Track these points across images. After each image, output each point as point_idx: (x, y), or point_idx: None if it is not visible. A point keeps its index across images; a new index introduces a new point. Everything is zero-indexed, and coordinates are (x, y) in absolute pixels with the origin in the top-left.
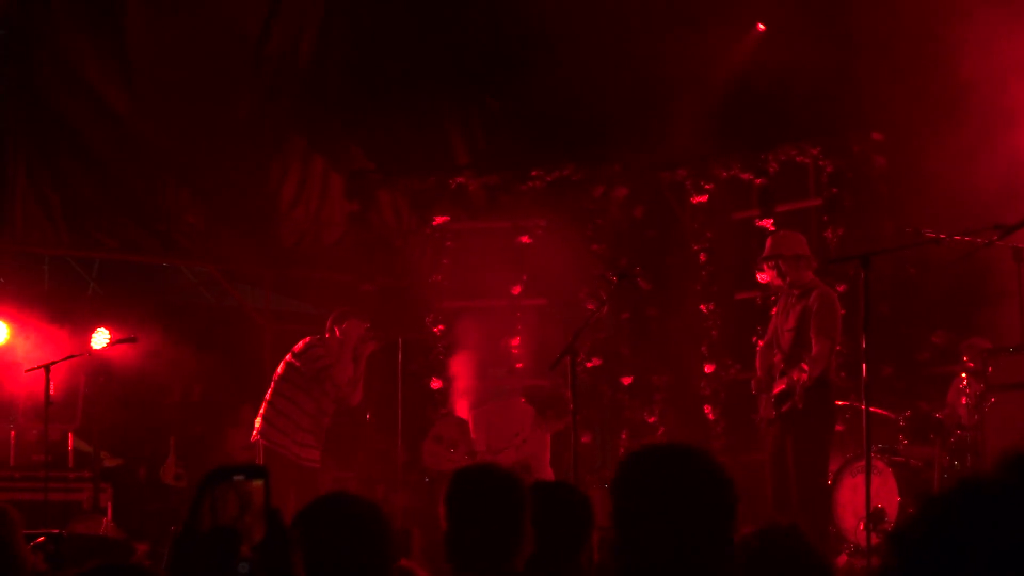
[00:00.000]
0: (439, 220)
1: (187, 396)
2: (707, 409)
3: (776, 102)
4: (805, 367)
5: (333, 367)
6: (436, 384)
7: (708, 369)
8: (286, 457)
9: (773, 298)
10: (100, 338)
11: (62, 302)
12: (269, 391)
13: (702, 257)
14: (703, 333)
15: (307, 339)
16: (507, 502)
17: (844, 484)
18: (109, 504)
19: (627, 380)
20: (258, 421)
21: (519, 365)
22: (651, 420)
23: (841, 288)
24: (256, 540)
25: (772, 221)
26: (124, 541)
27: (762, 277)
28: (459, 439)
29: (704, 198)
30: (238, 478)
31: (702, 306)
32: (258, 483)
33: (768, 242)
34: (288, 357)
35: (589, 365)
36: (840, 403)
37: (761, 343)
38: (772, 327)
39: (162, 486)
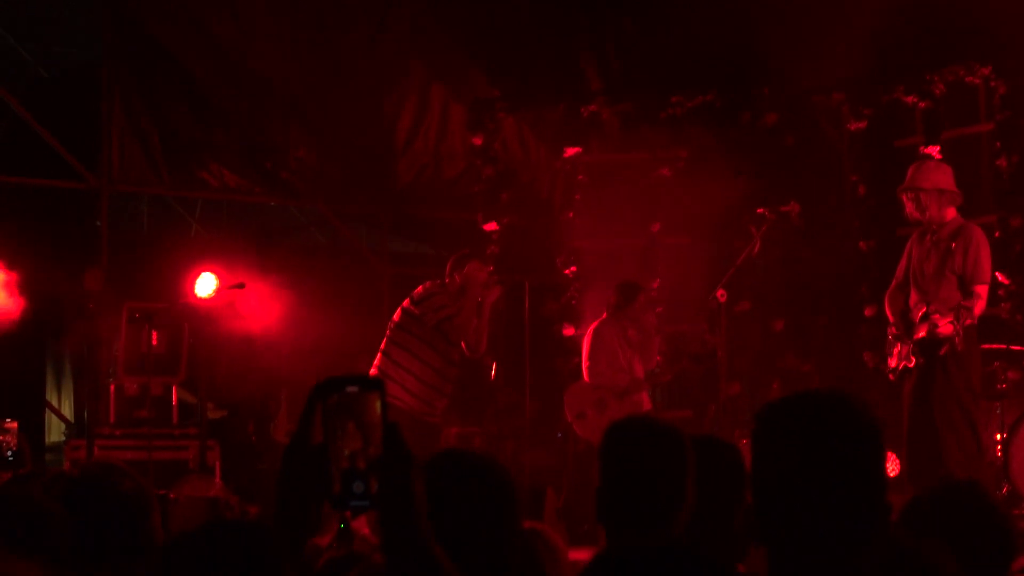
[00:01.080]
0: (570, 152)
1: (299, 346)
2: (866, 357)
3: (942, 17)
4: (968, 303)
5: (456, 316)
6: (568, 331)
7: (868, 312)
8: (403, 411)
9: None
10: (205, 284)
11: (163, 246)
12: (384, 340)
13: (861, 190)
14: (862, 273)
15: (427, 284)
16: (671, 457)
17: (1020, 437)
18: (217, 463)
19: (779, 325)
20: (372, 372)
21: (659, 310)
22: (805, 369)
23: (1015, 222)
24: (372, 457)
25: (938, 149)
26: (236, 503)
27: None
28: (603, 400)
29: (863, 124)
30: (351, 389)
31: (861, 243)
32: (374, 395)
33: (908, 172)
34: (406, 303)
35: (737, 309)
36: (1016, 348)
37: (892, 286)
38: (904, 267)
39: (273, 443)
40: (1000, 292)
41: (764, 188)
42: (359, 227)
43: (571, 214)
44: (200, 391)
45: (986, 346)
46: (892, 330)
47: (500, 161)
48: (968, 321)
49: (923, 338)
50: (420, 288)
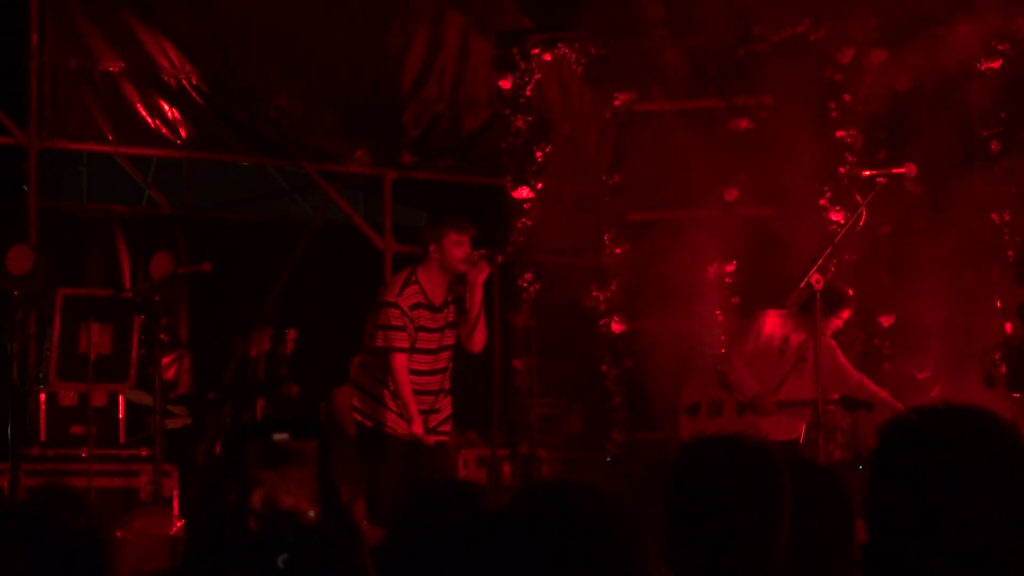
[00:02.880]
0: (623, 98)
1: (277, 345)
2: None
3: None
4: None
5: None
6: (617, 327)
7: (1002, 303)
8: (382, 432)
9: None
10: (161, 266)
11: (107, 218)
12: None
13: (994, 146)
14: (995, 252)
15: (402, 274)
16: (761, 490)
17: None
18: (175, 492)
19: (887, 320)
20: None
21: (735, 300)
22: (922, 376)
23: None
24: (305, 522)
25: None
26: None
27: None
28: (720, 404)
29: (996, 64)
30: (280, 437)
31: (994, 215)
32: (310, 444)
33: None
34: (379, 296)
35: None
36: None
37: None
38: None
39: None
40: None
41: (871, 146)
42: (354, 194)
43: (623, 177)
44: (155, 403)
45: None
46: None
47: (534, 110)
48: None
49: None
50: (395, 280)
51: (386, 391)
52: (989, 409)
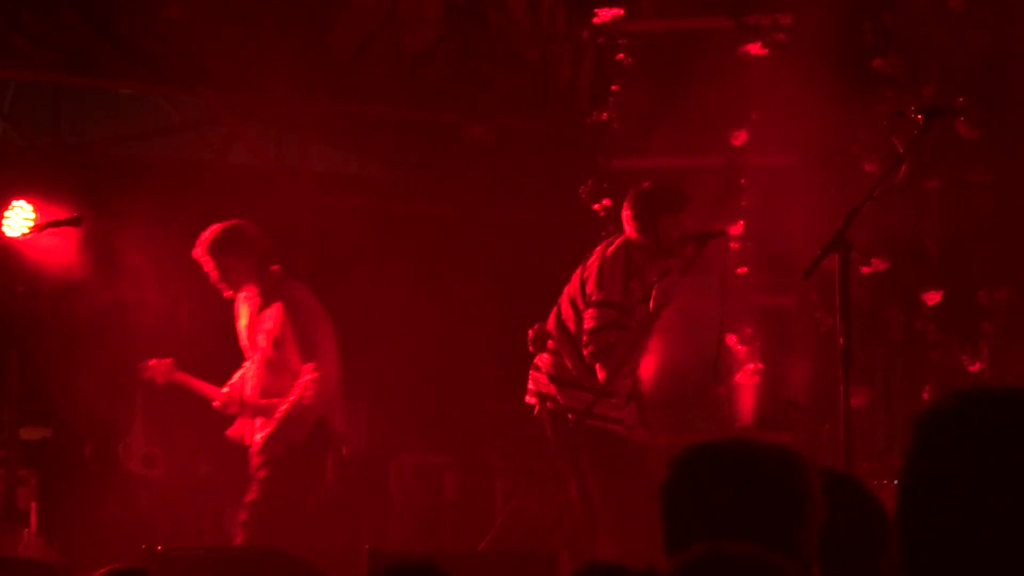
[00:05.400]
0: (606, 16)
1: (169, 319)
2: None
3: None
4: None
5: None
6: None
7: None
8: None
9: None
10: (16, 220)
11: None
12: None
13: None
14: None
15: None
16: (782, 501)
17: None
18: (33, 505)
19: (934, 297)
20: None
21: (742, 270)
22: (974, 368)
23: None
24: None
25: None
26: (62, 569)
27: None
28: None
29: None
30: None
31: None
32: None
33: None
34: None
35: (868, 271)
36: None
37: None
38: None
39: (123, 475)
40: None
41: (917, 79)
42: (267, 130)
43: (605, 115)
44: (3, 395)
45: None
46: None
47: (492, 28)
48: None
49: None
50: None
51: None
52: None
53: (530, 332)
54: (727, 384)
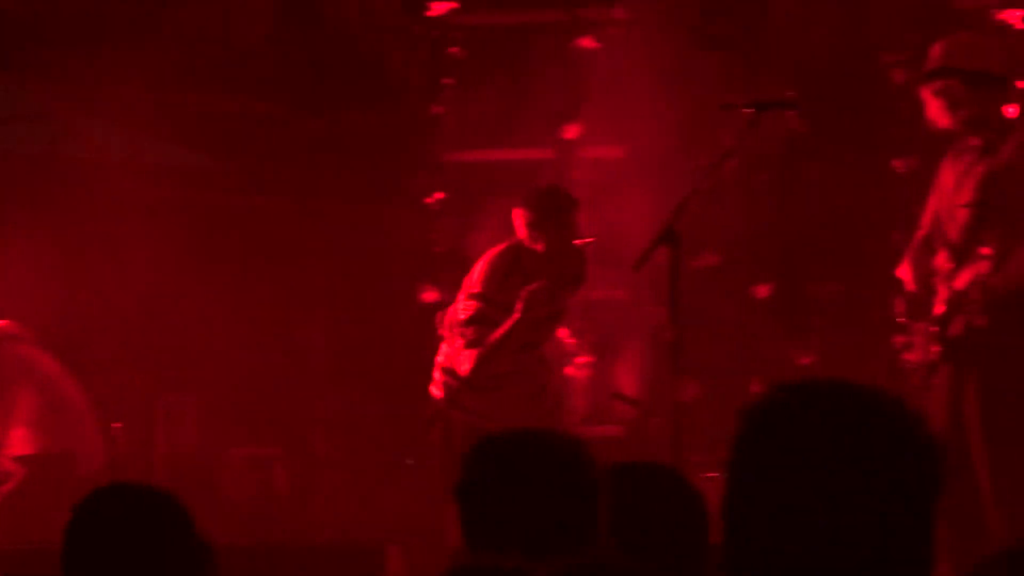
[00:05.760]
0: (438, 8)
1: None
2: (898, 342)
3: None
4: (985, 251)
5: None
6: (430, 296)
7: (902, 274)
8: None
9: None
10: None
11: None
12: None
13: (898, 76)
14: (898, 207)
15: None
16: (571, 497)
17: None
18: None
19: (764, 290)
20: None
21: None
22: (804, 361)
23: None
24: None
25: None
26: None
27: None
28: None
29: None
30: None
31: (897, 162)
32: None
33: (935, 49)
34: None
35: (698, 264)
36: None
37: (917, 236)
38: (933, 207)
39: None
40: None
41: (747, 70)
42: (97, 122)
43: (441, 109)
44: None
45: None
46: (900, 305)
47: (325, 21)
48: (985, 273)
49: (944, 315)
50: None
51: None
52: (879, 386)
53: (438, 315)
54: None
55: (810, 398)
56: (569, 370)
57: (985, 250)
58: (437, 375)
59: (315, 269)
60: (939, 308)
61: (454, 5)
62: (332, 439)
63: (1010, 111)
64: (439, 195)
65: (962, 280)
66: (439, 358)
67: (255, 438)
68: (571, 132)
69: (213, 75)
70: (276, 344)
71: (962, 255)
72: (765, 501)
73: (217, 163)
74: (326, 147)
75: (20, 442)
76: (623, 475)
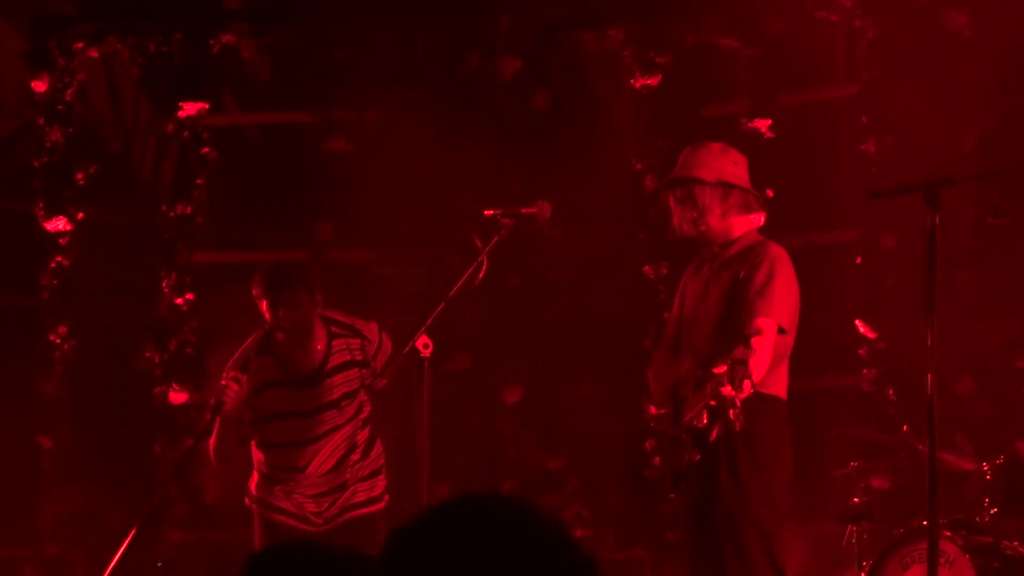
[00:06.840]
0: (190, 109)
1: None
2: (649, 446)
3: None
4: (742, 353)
5: None
6: (178, 398)
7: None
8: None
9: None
10: None
11: None
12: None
13: (648, 182)
14: (649, 313)
15: None
16: None
17: None
18: None
19: (514, 395)
20: None
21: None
22: (552, 466)
23: (889, 242)
24: None
25: (769, 124)
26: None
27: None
28: None
29: (654, 80)
30: None
31: (647, 268)
32: None
33: (680, 158)
34: None
35: (449, 368)
36: (880, 436)
37: (663, 342)
38: (676, 315)
39: None
40: (862, 352)
41: (499, 177)
42: None
43: (190, 209)
44: None
45: (838, 432)
46: (651, 411)
47: (76, 120)
48: (747, 384)
49: (692, 418)
50: None
51: None
52: (518, 498)
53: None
54: None
55: (446, 520)
56: None
57: (739, 352)
58: None
59: (65, 372)
60: (689, 413)
61: (204, 105)
62: None
63: (752, 219)
64: (189, 296)
65: (711, 387)
66: None
67: None
68: (323, 233)
69: None
70: None
71: (708, 362)
72: None
73: None
74: (75, 246)
75: None
76: None
